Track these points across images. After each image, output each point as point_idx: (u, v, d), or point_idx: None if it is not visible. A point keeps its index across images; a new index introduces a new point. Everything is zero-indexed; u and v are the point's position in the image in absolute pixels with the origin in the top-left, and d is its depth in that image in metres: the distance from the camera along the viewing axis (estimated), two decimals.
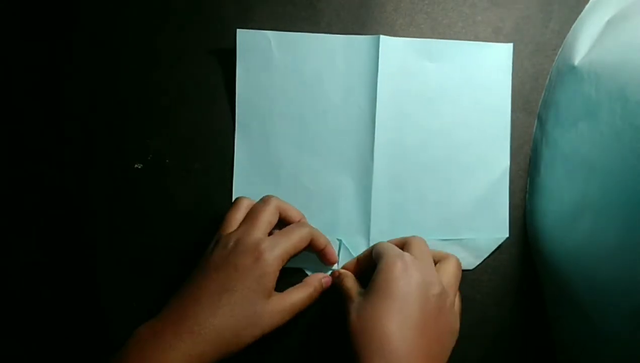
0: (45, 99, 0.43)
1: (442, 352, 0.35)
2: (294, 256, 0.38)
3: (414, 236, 0.40)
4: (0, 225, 0.43)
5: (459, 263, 0.39)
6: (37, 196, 0.43)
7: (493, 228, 0.43)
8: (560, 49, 0.43)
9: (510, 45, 0.43)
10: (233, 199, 0.43)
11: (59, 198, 0.43)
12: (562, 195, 0.39)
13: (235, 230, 0.38)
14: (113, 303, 0.43)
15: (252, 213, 0.39)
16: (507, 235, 0.43)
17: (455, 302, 0.37)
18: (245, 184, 0.43)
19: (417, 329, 0.33)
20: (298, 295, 0.38)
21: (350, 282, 0.39)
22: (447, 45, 0.43)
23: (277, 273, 0.36)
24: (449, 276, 0.37)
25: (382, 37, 0.42)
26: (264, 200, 0.39)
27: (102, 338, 0.42)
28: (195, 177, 0.43)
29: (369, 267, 0.40)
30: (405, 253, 0.36)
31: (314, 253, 0.42)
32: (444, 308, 0.35)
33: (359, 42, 0.43)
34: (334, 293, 0.42)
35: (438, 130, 0.43)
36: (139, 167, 0.43)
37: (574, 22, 0.43)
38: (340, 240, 0.43)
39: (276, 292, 0.37)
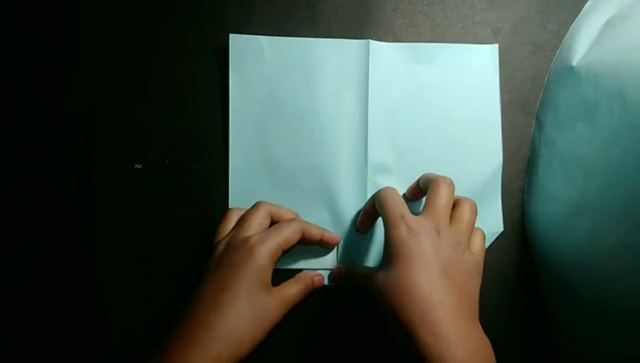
0: (45, 99, 0.43)
1: (470, 292, 0.34)
2: (287, 251, 0.38)
3: (438, 182, 0.37)
4: (0, 225, 0.43)
5: (471, 207, 0.38)
6: (37, 196, 0.43)
7: (488, 224, 0.43)
8: (558, 50, 0.44)
9: (496, 45, 0.44)
10: (229, 204, 0.43)
11: (59, 198, 0.43)
12: (560, 196, 0.39)
13: (225, 236, 0.39)
14: (113, 303, 0.42)
15: (242, 219, 0.39)
16: (502, 229, 0.43)
17: (474, 243, 0.37)
18: (241, 188, 0.43)
19: (441, 275, 0.33)
20: (293, 288, 0.38)
21: (360, 268, 0.40)
22: (434, 48, 0.44)
23: (272, 267, 0.36)
24: (460, 223, 0.36)
25: (370, 41, 0.43)
26: (254, 206, 0.40)
27: (102, 338, 0.42)
28: (195, 177, 0.43)
29: (377, 216, 0.40)
30: (406, 214, 0.35)
31: (313, 253, 0.42)
32: (458, 253, 0.35)
33: (349, 46, 0.43)
34: (332, 294, 0.42)
35: (430, 130, 0.44)
36: (139, 167, 0.43)
37: (572, 22, 0.43)
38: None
39: (273, 287, 0.37)
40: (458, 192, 0.43)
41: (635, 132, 0.31)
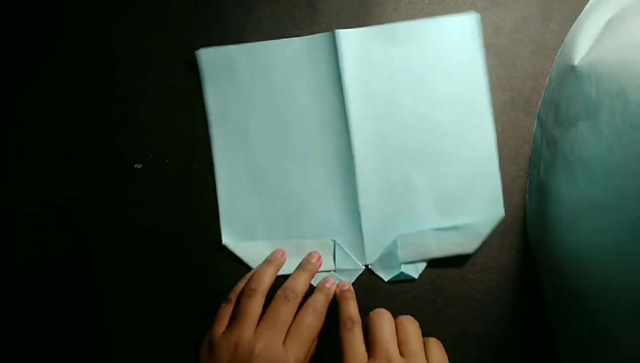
0: (45, 99, 0.43)
1: None
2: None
3: (371, 317, 0.38)
4: (1, 226, 0.43)
5: (410, 321, 0.38)
6: (37, 196, 0.43)
7: (487, 209, 0.42)
8: (560, 49, 0.43)
9: (477, 15, 0.42)
10: (220, 217, 0.43)
11: (59, 198, 0.43)
12: (562, 195, 0.39)
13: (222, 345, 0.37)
14: (113, 303, 0.43)
15: (243, 314, 0.38)
16: (503, 215, 0.42)
17: (431, 356, 0.37)
18: (230, 198, 0.43)
19: None
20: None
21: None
22: (409, 26, 0.43)
23: None
24: (408, 345, 0.36)
25: (338, 31, 0.42)
26: (247, 295, 0.38)
27: (102, 338, 0.42)
28: (195, 177, 0.43)
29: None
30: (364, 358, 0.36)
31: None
32: None
33: (317, 40, 0.43)
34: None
35: (415, 114, 0.43)
36: (139, 167, 0.43)
37: (574, 22, 0.43)
38: (334, 241, 0.43)
39: None
40: (454, 177, 0.43)
41: (637, 131, 0.31)
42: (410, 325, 0.38)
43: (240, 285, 0.40)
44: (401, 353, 0.36)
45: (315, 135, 0.43)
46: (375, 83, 0.43)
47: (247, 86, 0.43)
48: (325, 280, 0.42)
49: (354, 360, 0.36)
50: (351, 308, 0.39)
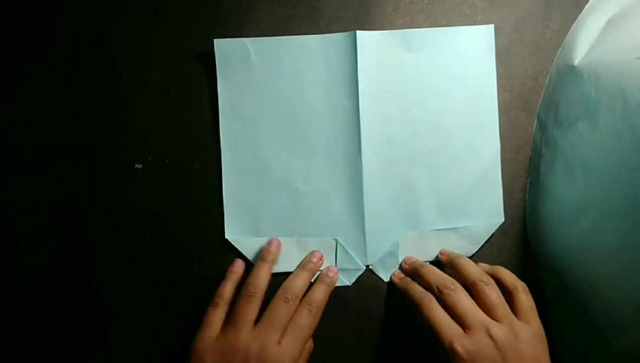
0: (45, 99, 0.43)
1: None
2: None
3: (449, 296, 0.37)
4: (1, 226, 0.43)
5: (489, 284, 0.38)
6: (37, 196, 0.43)
7: (488, 214, 0.43)
8: (560, 49, 0.43)
9: (491, 26, 0.43)
10: (224, 209, 0.43)
11: (59, 198, 0.43)
12: (562, 195, 0.39)
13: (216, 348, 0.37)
14: (113, 303, 0.43)
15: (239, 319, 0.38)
16: (503, 220, 0.43)
17: (519, 308, 0.37)
18: (235, 191, 0.43)
19: None
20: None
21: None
22: (426, 33, 0.43)
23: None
24: (493, 309, 0.36)
25: (358, 32, 0.42)
26: (245, 299, 0.39)
27: (102, 338, 0.42)
28: (195, 177, 0.43)
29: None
30: (457, 331, 0.35)
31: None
32: (517, 340, 0.35)
33: (336, 39, 0.43)
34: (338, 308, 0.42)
35: (424, 119, 0.43)
36: (139, 167, 0.43)
37: (574, 22, 0.43)
38: (336, 240, 0.43)
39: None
40: (458, 182, 0.43)
41: (637, 131, 0.31)
42: (490, 289, 0.37)
43: (226, 288, 0.40)
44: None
45: (325, 133, 0.43)
46: (388, 86, 0.43)
47: (260, 79, 0.43)
48: (328, 269, 0.42)
49: (449, 329, 0.36)
50: (417, 289, 0.39)
